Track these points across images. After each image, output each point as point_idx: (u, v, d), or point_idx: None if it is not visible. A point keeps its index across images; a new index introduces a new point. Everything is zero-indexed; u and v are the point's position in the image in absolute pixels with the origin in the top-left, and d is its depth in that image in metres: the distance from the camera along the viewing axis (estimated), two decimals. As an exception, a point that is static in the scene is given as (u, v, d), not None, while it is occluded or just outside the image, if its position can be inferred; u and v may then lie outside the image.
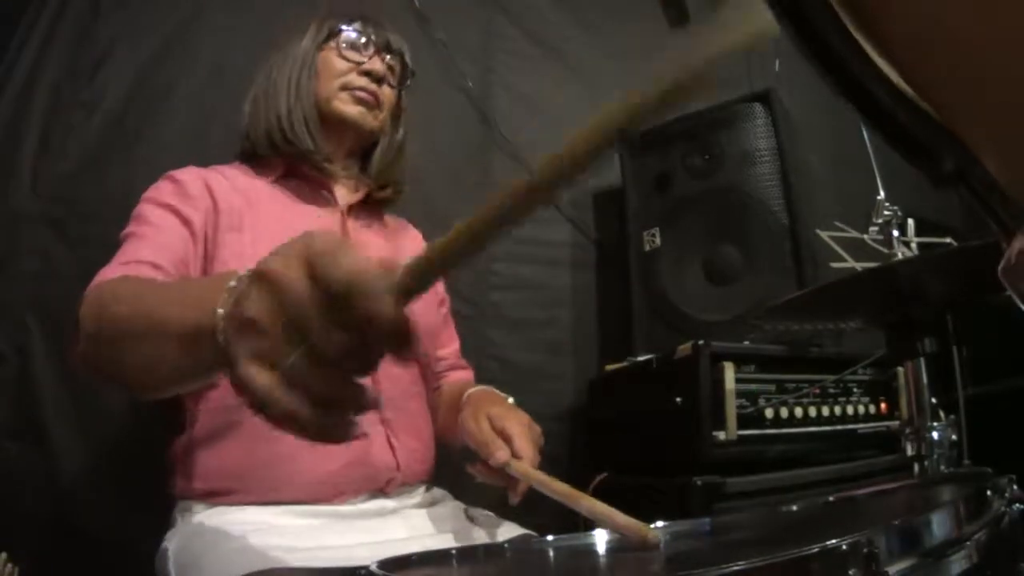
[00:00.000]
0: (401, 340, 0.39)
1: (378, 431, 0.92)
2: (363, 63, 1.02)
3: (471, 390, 1.00)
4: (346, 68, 1.02)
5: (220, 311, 0.44)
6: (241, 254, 0.90)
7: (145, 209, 0.92)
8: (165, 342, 0.54)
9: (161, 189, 0.95)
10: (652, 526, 0.61)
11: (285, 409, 0.39)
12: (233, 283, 0.45)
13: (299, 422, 0.39)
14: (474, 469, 0.88)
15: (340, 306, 0.38)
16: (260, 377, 0.39)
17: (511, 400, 0.97)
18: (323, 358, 0.39)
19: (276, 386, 0.39)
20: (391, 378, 0.95)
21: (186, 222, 0.91)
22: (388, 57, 1.06)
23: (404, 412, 0.96)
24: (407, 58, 1.10)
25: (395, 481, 0.92)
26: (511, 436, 0.85)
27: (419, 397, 1.03)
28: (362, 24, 1.04)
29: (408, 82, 1.11)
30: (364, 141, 1.09)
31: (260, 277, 0.41)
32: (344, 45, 1.03)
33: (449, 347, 1.17)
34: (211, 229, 0.93)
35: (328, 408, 0.40)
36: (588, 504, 0.69)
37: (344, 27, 1.03)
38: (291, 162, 1.01)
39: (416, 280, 0.39)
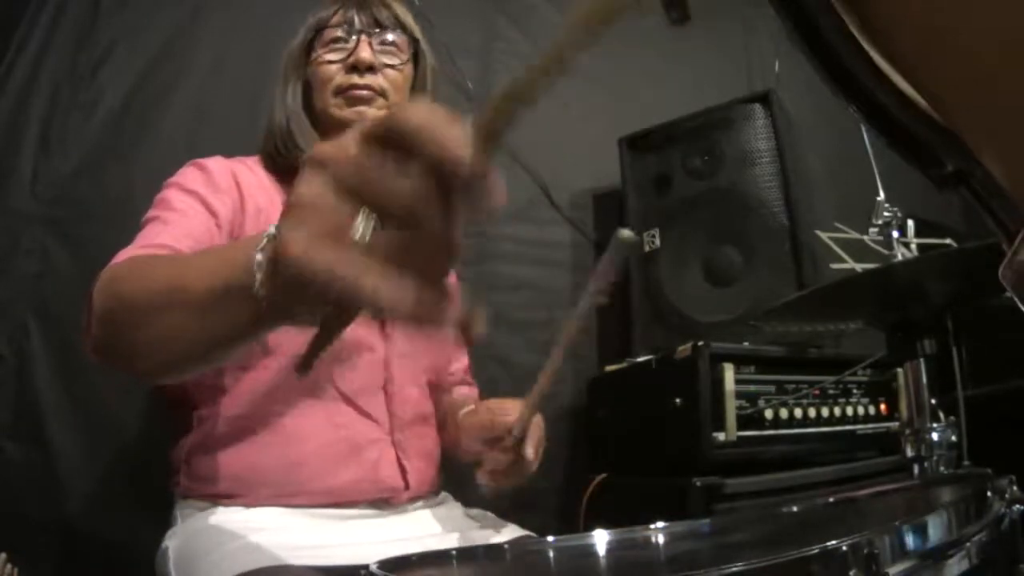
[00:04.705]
0: (477, 179, 0.33)
1: (389, 452, 0.91)
2: (347, 59, 0.93)
3: (466, 409, 1.01)
4: (333, 71, 0.94)
5: (258, 257, 0.40)
6: None
7: (170, 194, 0.86)
8: (186, 309, 0.49)
9: (187, 175, 0.89)
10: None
11: (359, 280, 0.32)
12: (271, 229, 0.40)
13: (381, 294, 0.32)
14: (482, 473, 0.89)
15: (405, 153, 0.33)
16: (324, 252, 0.32)
17: None
18: (395, 210, 0.33)
19: (346, 257, 0.32)
20: (404, 401, 0.95)
21: (212, 213, 0.86)
22: (380, 36, 0.96)
23: (415, 434, 0.96)
24: (408, 23, 0.98)
25: (402, 498, 0.92)
26: (509, 408, 0.89)
27: (429, 418, 1.03)
28: (342, 12, 0.95)
29: (415, 49, 0.99)
30: None
31: (307, 162, 0.35)
32: (326, 46, 0.95)
33: (460, 362, 1.16)
34: (237, 225, 0.88)
35: (417, 278, 0.33)
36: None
37: (324, 27, 0.95)
38: None
39: (491, 119, 0.34)
